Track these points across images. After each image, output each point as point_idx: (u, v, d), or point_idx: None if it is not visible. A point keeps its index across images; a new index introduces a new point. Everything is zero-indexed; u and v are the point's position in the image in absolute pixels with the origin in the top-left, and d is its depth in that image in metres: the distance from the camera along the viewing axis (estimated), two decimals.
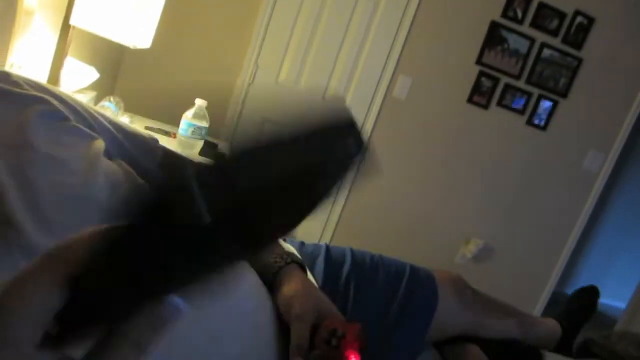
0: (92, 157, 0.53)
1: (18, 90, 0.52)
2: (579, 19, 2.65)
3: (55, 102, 0.54)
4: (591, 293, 1.30)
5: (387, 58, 2.62)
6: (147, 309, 0.28)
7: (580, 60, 2.71)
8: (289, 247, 0.90)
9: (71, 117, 0.56)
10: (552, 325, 1.18)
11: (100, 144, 0.57)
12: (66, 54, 1.36)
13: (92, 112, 0.61)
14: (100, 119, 0.62)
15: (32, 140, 0.48)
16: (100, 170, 0.53)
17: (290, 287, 0.65)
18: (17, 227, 0.43)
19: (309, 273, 0.77)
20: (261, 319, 0.62)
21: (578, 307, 1.26)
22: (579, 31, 2.67)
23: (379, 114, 2.67)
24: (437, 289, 0.97)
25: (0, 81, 0.52)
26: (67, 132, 0.53)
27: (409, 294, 0.94)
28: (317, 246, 0.98)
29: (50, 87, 0.57)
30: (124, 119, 1.79)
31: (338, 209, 2.77)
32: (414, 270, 1.00)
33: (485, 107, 2.72)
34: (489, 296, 1.10)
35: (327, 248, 0.97)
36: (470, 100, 2.71)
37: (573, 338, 1.17)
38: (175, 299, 0.28)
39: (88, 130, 0.57)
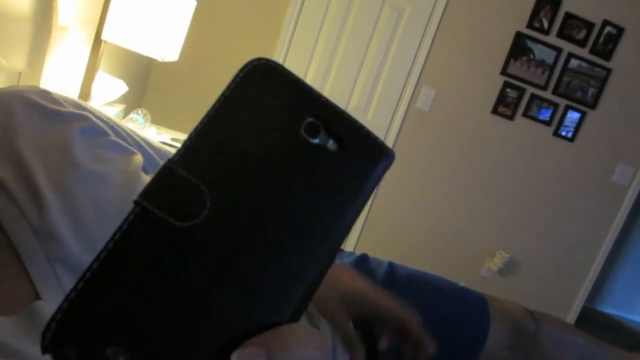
0: (132, 171, 0.53)
1: (59, 108, 0.53)
2: (608, 28, 2.60)
3: (94, 118, 0.55)
4: None
5: (411, 69, 2.62)
6: None
7: (609, 71, 2.65)
8: None
9: (110, 132, 0.57)
10: None
11: (139, 158, 0.57)
12: (98, 68, 1.41)
13: (124, 127, 0.62)
14: (132, 134, 0.63)
15: (76, 157, 0.49)
16: (140, 185, 0.53)
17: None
18: (60, 242, 0.43)
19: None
20: None
21: None
22: (608, 41, 2.62)
23: (402, 125, 2.66)
24: (489, 325, 0.83)
25: (42, 99, 0.52)
26: (107, 147, 0.54)
27: (454, 324, 0.83)
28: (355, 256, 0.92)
29: (85, 103, 0.59)
30: (151, 131, 1.83)
31: (362, 218, 2.76)
32: (466, 294, 0.87)
33: (511, 118, 2.68)
34: (565, 327, 0.94)
35: (366, 258, 0.90)
36: (495, 111, 2.67)
37: None
38: None
39: (127, 145, 0.57)
